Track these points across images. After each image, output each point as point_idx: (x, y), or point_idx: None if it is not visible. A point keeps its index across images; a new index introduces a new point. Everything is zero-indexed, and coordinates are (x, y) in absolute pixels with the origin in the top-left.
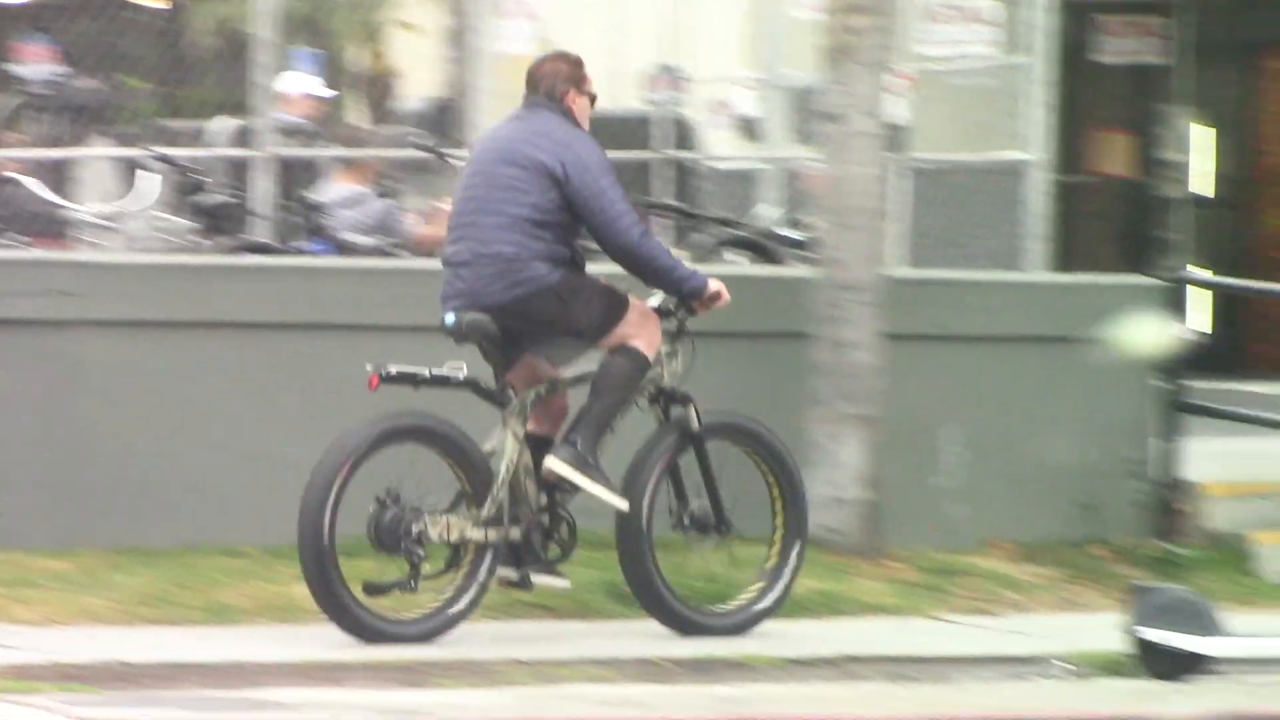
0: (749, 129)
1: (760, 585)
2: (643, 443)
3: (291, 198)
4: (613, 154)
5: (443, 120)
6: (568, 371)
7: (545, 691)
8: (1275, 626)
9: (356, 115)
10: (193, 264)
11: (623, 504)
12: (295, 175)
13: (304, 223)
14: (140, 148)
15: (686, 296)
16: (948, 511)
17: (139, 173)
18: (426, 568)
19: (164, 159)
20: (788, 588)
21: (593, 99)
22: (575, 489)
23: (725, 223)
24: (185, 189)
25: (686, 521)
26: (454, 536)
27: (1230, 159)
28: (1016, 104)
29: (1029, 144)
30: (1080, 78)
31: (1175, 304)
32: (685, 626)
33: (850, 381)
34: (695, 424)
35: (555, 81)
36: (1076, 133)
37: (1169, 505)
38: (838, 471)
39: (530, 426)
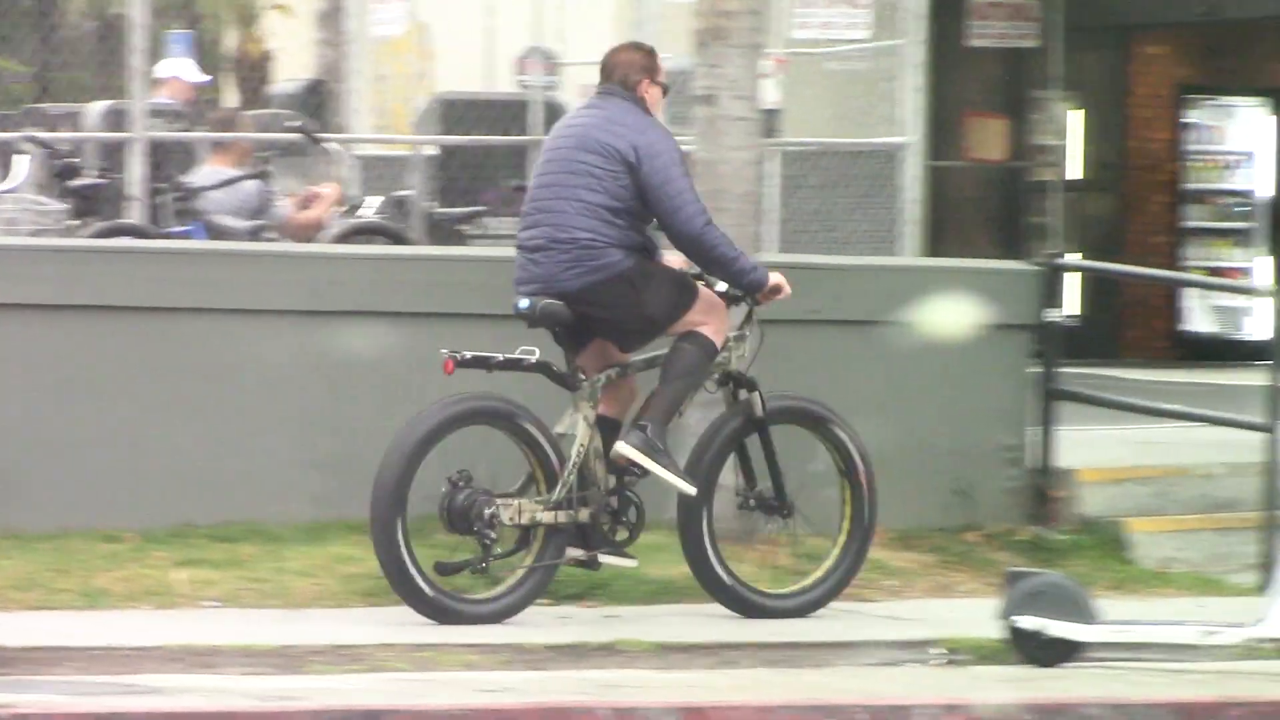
0: None
1: (824, 569)
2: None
3: (164, 180)
4: (486, 138)
5: (315, 103)
6: (637, 356)
7: (420, 677)
8: (1148, 612)
9: (230, 98)
10: (64, 246)
11: (690, 489)
12: (169, 158)
13: (176, 206)
14: (12, 130)
15: (746, 288)
16: (823, 497)
17: (14, 156)
18: (497, 549)
19: (36, 141)
20: (849, 572)
21: (665, 89)
22: (644, 473)
23: None
24: (58, 172)
25: (752, 503)
26: (524, 519)
27: (1102, 143)
28: (890, 88)
29: (903, 128)
30: (953, 62)
31: (1049, 288)
32: (746, 608)
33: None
34: (760, 409)
35: (629, 71)
36: (950, 117)
37: (1044, 491)
38: None
39: (600, 410)
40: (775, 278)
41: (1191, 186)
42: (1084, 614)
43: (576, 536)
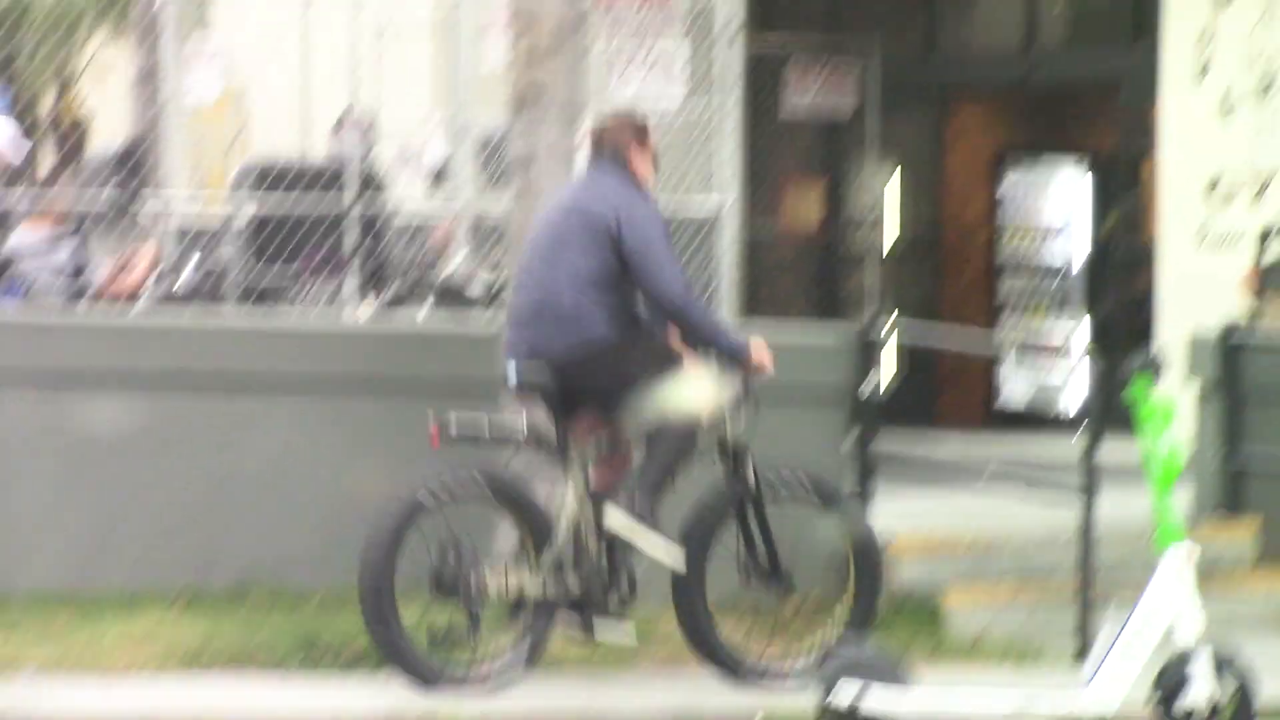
0: (439, 177)
1: (822, 642)
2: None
3: None
4: (302, 205)
5: (131, 167)
6: (628, 427)
7: None
8: (966, 682)
9: (47, 160)
10: None
11: (676, 561)
12: None
13: None
14: None
15: (729, 356)
16: (649, 568)
17: None
18: (488, 617)
19: None
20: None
21: (656, 160)
22: (633, 543)
23: (415, 274)
24: None
25: (750, 575)
26: (513, 589)
27: (919, 209)
28: (707, 153)
29: (721, 193)
30: (770, 127)
31: (866, 356)
32: (740, 678)
33: None
34: (752, 480)
35: (619, 140)
36: (767, 183)
37: None
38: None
39: (592, 480)
40: (756, 349)
41: (1008, 253)
42: (902, 682)
43: (572, 607)
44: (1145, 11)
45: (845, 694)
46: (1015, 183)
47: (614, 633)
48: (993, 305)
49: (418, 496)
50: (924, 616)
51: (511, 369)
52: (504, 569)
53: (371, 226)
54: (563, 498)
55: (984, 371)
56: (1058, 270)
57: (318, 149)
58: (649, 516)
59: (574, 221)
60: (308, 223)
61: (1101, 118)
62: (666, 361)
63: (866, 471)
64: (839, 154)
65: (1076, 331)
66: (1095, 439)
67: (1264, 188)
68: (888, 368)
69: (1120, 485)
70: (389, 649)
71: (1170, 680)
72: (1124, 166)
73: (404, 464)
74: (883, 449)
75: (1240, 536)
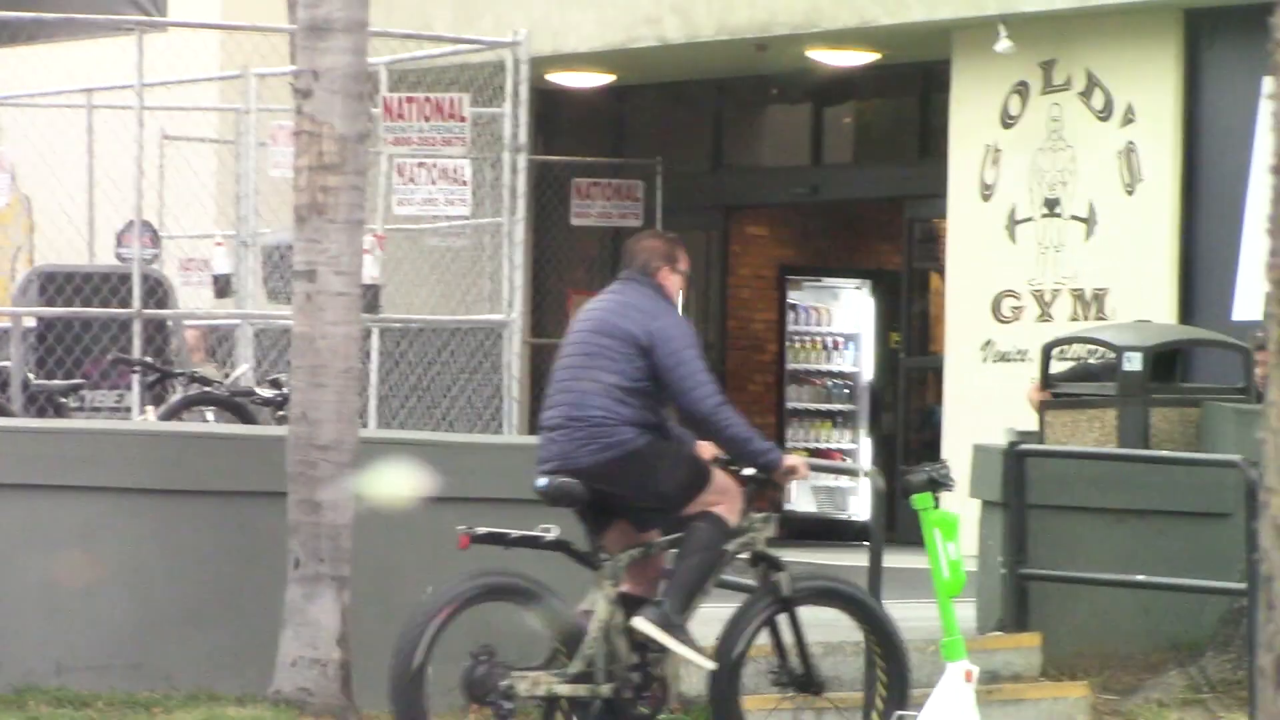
0: (224, 286)
1: None
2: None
3: None
4: (87, 310)
5: None
6: (659, 535)
7: None
8: None
9: None
10: None
11: (709, 664)
12: None
13: None
14: None
15: (761, 469)
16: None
17: None
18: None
19: None
20: None
21: (685, 276)
22: (662, 649)
23: (199, 380)
24: None
25: (785, 679)
26: (542, 691)
27: (706, 322)
28: (493, 265)
29: (507, 305)
30: (556, 239)
31: None
32: None
33: (324, 541)
34: (786, 589)
35: (650, 258)
36: (553, 295)
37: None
38: (311, 631)
39: (625, 587)
40: (791, 460)
41: (794, 367)
42: None
43: (604, 711)
44: (932, 130)
45: None
46: (800, 298)
47: None
48: (780, 416)
49: (451, 597)
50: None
51: (542, 480)
52: (533, 673)
53: (161, 330)
54: (594, 603)
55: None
56: (844, 385)
57: (104, 255)
58: (680, 622)
59: (605, 335)
60: (94, 328)
61: (888, 234)
62: (696, 471)
63: None
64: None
65: (863, 443)
66: (879, 550)
67: (1047, 305)
68: None
69: (912, 593)
70: None
71: None
72: (910, 281)
73: (194, 565)
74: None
75: (1026, 647)
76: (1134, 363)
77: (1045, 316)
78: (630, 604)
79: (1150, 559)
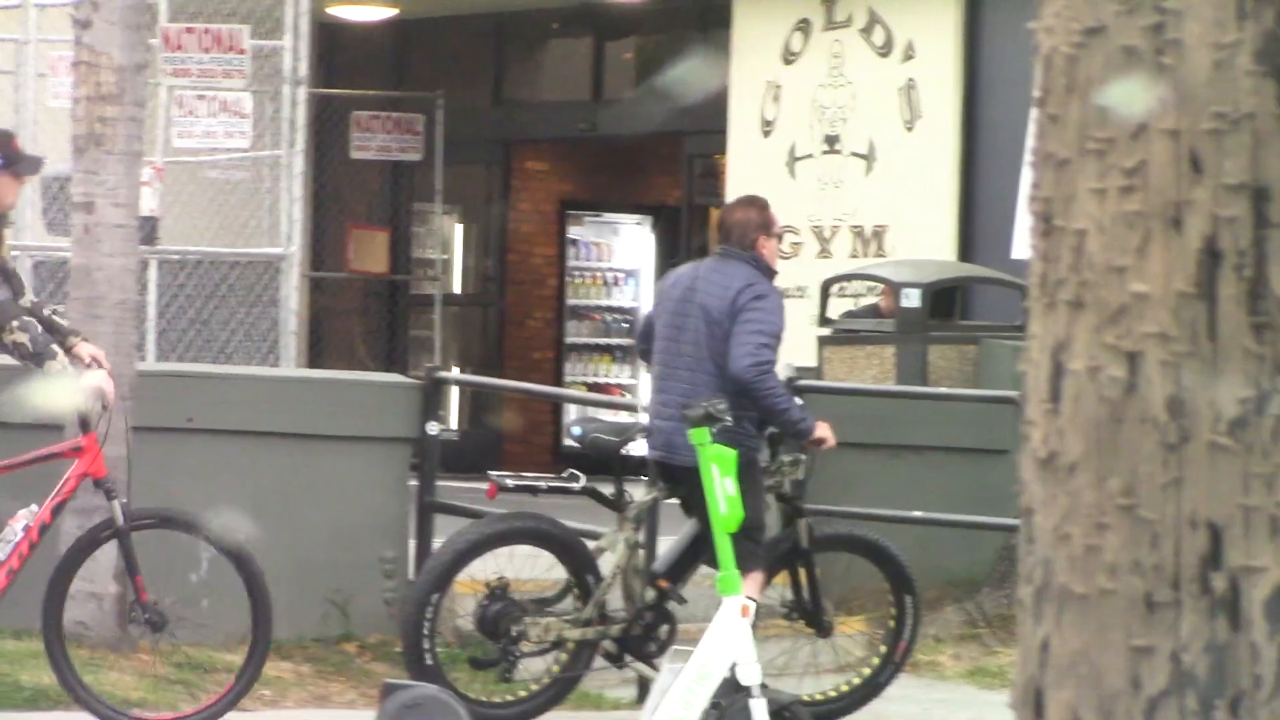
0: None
1: (860, 679)
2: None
3: None
4: None
5: None
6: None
7: None
8: None
9: None
10: None
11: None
12: None
13: None
14: None
15: (795, 437)
16: (202, 606)
17: None
18: (527, 646)
19: None
20: (879, 687)
21: (780, 239)
22: (681, 599)
23: None
24: None
25: (795, 616)
26: (553, 638)
27: (485, 257)
28: (272, 198)
29: (285, 238)
30: (336, 173)
31: (430, 402)
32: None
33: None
34: (805, 539)
35: (746, 230)
36: (332, 228)
37: None
38: (89, 565)
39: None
40: (822, 430)
41: (574, 302)
42: None
43: (612, 646)
44: (713, 65)
45: None
46: (583, 232)
47: (645, 669)
48: (560, 352)
49: (466, 541)
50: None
51: (579, 429)
52: (544, 619)
53: None
54: (614, 546)
55: (551, 417)
56: (624, 320)
57: None
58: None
59: (702, 318)
60: None
61: (669, 169)
62: (756, 510)
63: (428, 514)
64: (407, 201)
65: (642, 378)
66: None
67: (827, 242)
68: (453, 413)
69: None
70: (424, 678)
71: None
72: (691, 217)
73: None
74: (446, 493)
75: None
76: (912, 299)
77: (825, 253)
78: (649, 545)
79: (928, 496)
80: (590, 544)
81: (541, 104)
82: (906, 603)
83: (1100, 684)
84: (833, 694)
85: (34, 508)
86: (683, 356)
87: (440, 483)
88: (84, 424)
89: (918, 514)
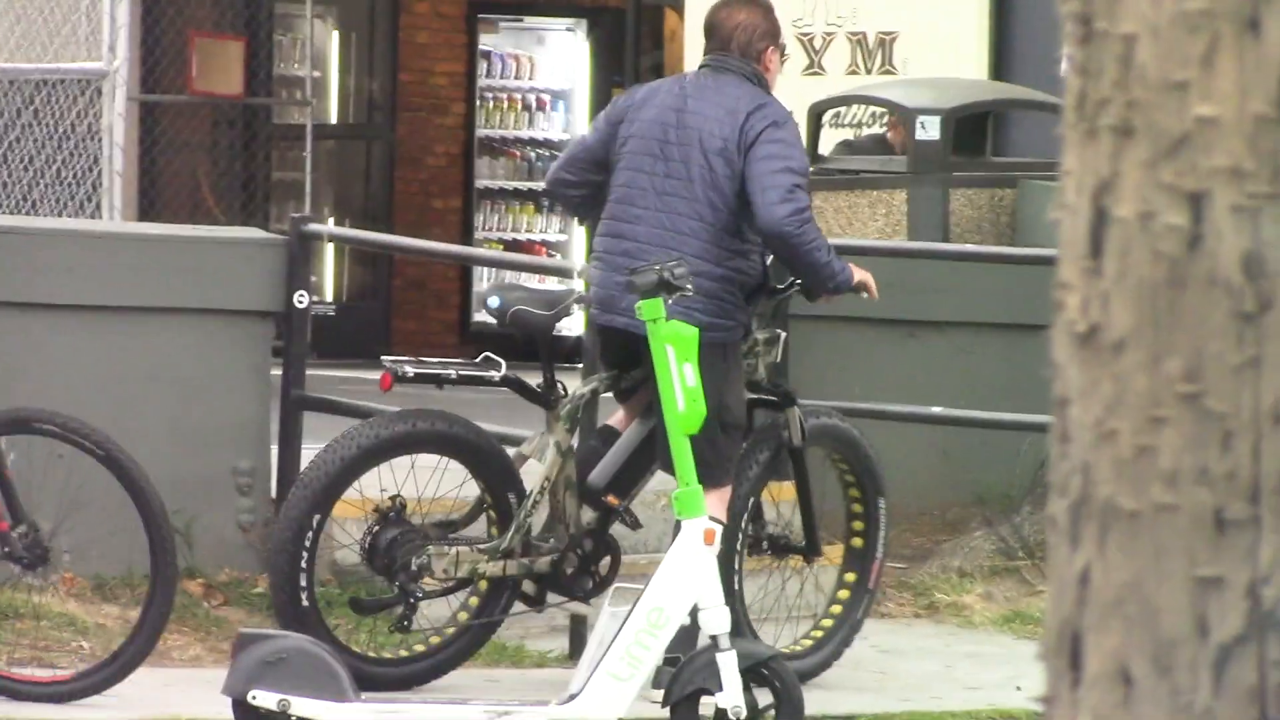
0: None
1: (832, 620)
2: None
3: None
4: None
5: None
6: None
7: None
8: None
9: None
10: None
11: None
12: None
13: None
14: None
15: (834, 291)
16: (78, 533)
17: None
18: (430, 585)
19: None
20: (857, 624)
21: (784, 54)
22: (634, 522)
23: None
24: None
25: (764, 546)
26: (463, 571)
27: (369, 76)
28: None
29: (107, 50)
30: None
31: (297, 265)
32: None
33: None
34: (798, 436)
35: (751, 37)
36: (169, 38)
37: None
38: None
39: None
40: (860, 274)
41: (486, 133)
42: (339, 689)
43: (534, 582)
44: None
45: (268, 699)
46: (497, 42)
47: (577, 608)
48: (468, 199)
49: (360, 445)
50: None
51: (497, 300)
52: (451, 548)
53: None
54: (541, 452)
55: (458, 286)
56: (554, 154)
57: None
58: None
59: (698, 147)
60: None
61: None
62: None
63: (296, 412)
64: (262, 2)
65: (575, 233)
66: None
67: (817, 54)
68: (328, 280)
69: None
70: (297, 625)
71: (685, 687)
72: (639, 21)
73: None
74: (320, 385)
75: (784, 500)
76: (930, 130)
77: (815, 69)
78: (603, 438)
79: (952, 386)
80: (510, 451)
81: None
82: (880, 509)
83: (1155, 626)
84: (803, 645)
85: None
86: (666, 196)
87: (312, 371)
88: None
89: (937, 410)
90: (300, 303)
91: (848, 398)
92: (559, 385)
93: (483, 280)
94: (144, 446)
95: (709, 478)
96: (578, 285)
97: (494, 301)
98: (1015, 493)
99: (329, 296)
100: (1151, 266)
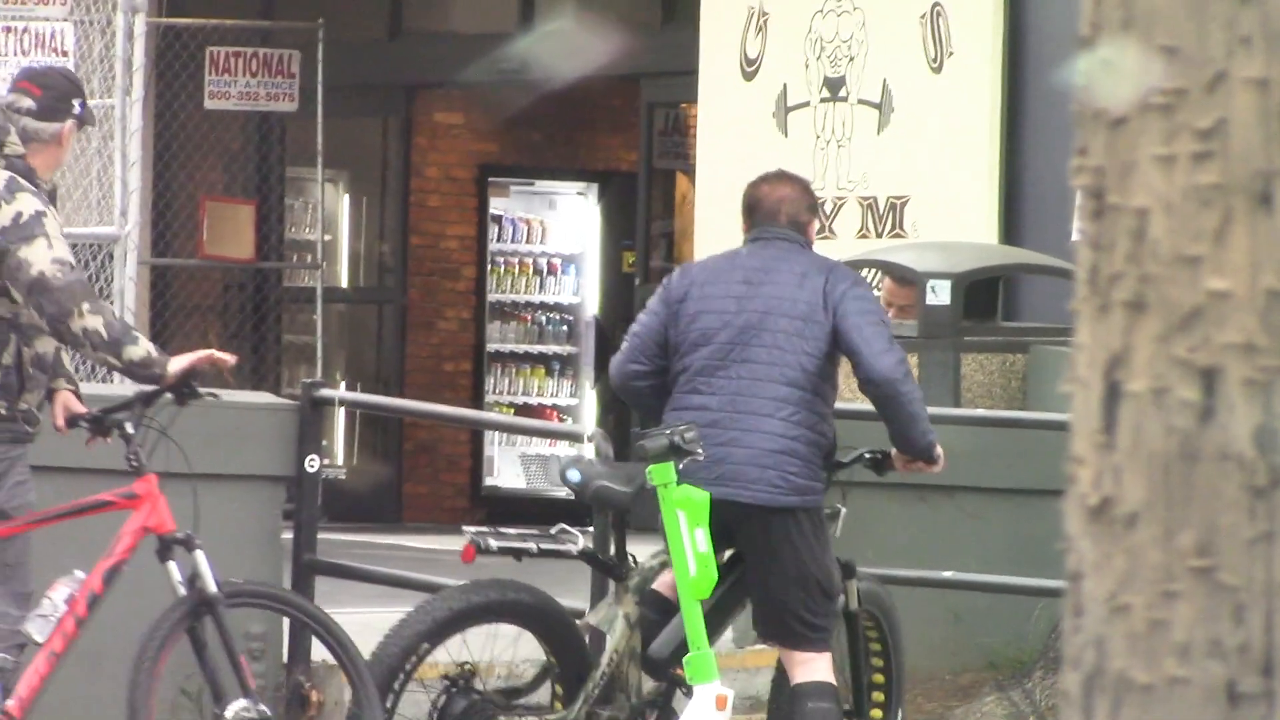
0: None
1: None
2: None
3: None
4: None
5: None
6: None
7: None
8: None
9: None
10: None
11: None
12: None
13: None
14: None
15: (918, 455)
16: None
17: None
18: None
19: None
20: None
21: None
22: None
23: None
24: None
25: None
26: None
27: (380, 239)
28: (103, 162)
29: (119, 215)
30: (187, 129)
31: (308, 430)
32: None
33: None
34: (855, 602)
35: (798, 209)
36: (183, 201)
37: (302, 692)
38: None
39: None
40: (938, 448)
41: (497, 298)
42: None
43: None
44: None
45: None
46: (508, 206)
47: None
48: (479, 362)
49: (428, 624)
50: None
51: (577, 475)
52: (522, 714)
53: None
54: (610, 623)
55: (469, 451)
56: (564, 318)
57: None
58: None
59: (782, 315)
60: None
61: (621, 124)
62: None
63: (307, 576)
64: (278, 165)
65: (586, 397)
66: (606, 536)
67: (829, 218)
68: (338, 444)
69: None
70: None
71: None
72: (650, 186)
73: None
74: (330, 549)
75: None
76: (941, 294)
77: (826, 233)
78: (655, 608)
79: (963, 550)
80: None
81: (454, 37)
82: (899, 667)
83: None
84: None
85: (79, 574)
86: (749, 364)
87: (323, 535)
88: (135, 462)
89: (948, 574)
90: (312, 467)
91: (860, 562)
92: (630, 557)
93: (494, 444)
94: (155, 608)
95: (823, 642)
96: (587, 449)
97: (574, 477)
98: (1027, 657)
99: (340, 460)
100: (1164, 440)
